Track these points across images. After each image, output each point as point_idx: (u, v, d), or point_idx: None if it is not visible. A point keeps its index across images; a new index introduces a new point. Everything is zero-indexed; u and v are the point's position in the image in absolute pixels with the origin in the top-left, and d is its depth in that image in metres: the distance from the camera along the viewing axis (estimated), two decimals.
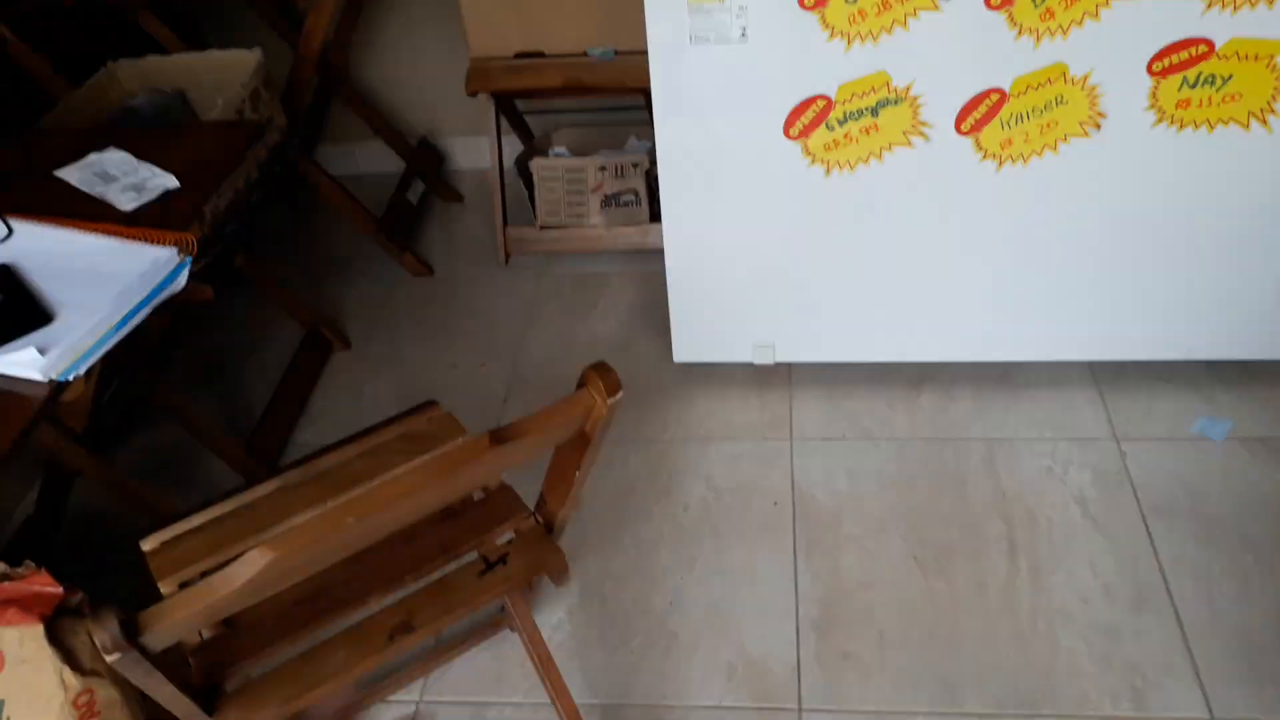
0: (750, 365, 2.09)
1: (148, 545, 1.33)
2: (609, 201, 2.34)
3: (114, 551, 1.32)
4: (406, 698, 1.62)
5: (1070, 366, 2.02)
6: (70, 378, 1.17)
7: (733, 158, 1.71)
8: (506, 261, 2.49)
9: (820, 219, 1.78)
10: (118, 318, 1.22)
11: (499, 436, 0.89)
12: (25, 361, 1.15)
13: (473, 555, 1.32)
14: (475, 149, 2.80)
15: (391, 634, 1.24)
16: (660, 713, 1.56)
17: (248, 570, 0.85)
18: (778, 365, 2.09)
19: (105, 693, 1.28)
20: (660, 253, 1.89)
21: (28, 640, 1.19)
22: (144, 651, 0.85)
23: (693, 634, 1.66)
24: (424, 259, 2.53)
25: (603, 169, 2.29)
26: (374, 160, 2.82)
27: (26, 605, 1.21)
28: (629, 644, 1.66)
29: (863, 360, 2.02)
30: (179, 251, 1.30)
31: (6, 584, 1.19)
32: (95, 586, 1.20)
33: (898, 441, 1.92)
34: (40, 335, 1.19)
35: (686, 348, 2.05)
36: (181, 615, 0.84)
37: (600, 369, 0.93)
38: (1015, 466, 1.85)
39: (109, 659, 0.81)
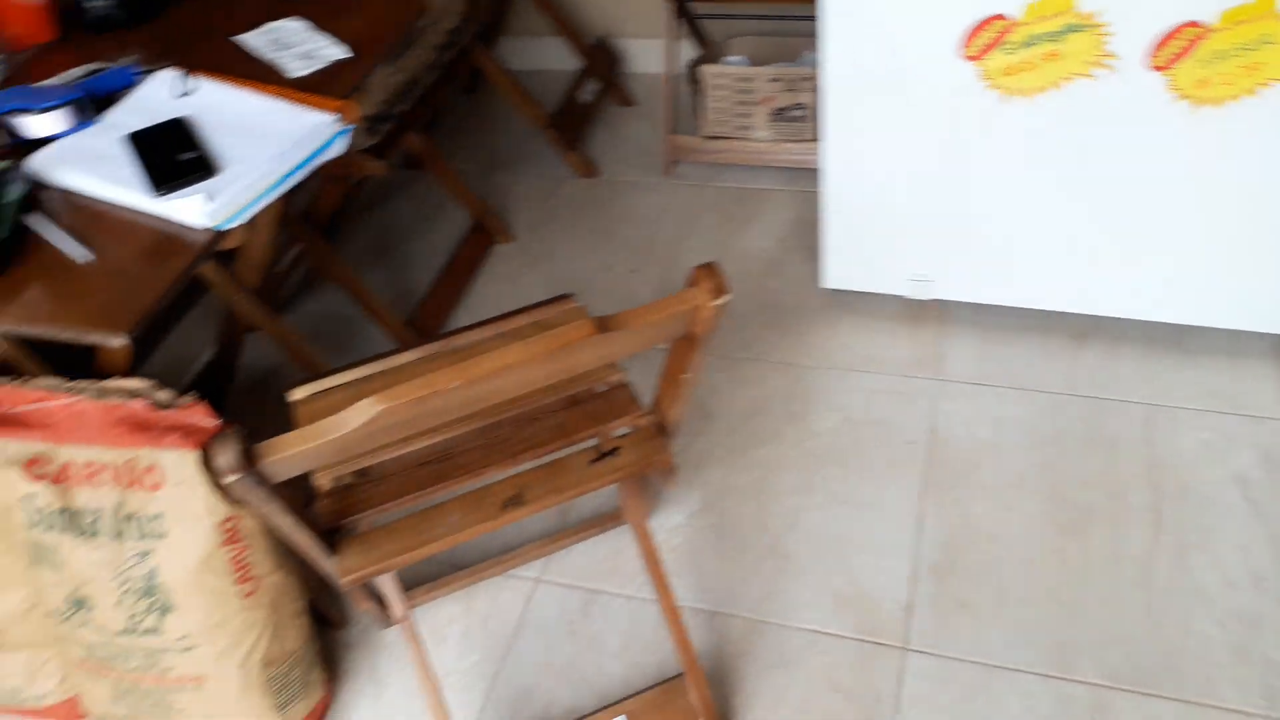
0: (902, 298, 2.01)
1: (295, 396, 1.44)
2: (777, 115, 2.27)
3: (279, 404, 1.43)
4: (526, 574, 1.70)
5: (1252, 337, 1.84)
6: (229, 227, 1.26)
7: (903, 73, 1.63)
8: (670, 169, 2.48)
9: (992, 148, 1.67)
10: (277, 175, 1.29)
11: (603, 324, 0.91)
12: (194, 208, 1.24)
13: (590, 443, 1.35)
14: (652, 53, 2.77)
15: (505, 504, 1.30)
16: (763, 628, 1.57)
17: (358, 418, 0.90)
18: (931, 301, 2.01)
19: (248, 523, 1.40)
20: None
21: (186, 464, 1.31)
22: (260, 479, 0.92)
23: (806, 557, 1.65)
24: (591, 159, 2.55)
25: (774, 81, 2.22)
26: (552, 57, 2.84)
27: (186, 433, 1.33)
28: (742, 557, 1.67)
29: (1024, 305, 1.91)
30: (339, 119, 1.37)
31: (171, 412, 1.30)
32: (258, 434, 1.31)
33: (1051, 395, 1.82)
34: (206, 186, 1.28)
35: (837, 273, 1.99)
36: (295, 449, 0.91)
37: (709, 269, 0.92)
38: (1174, 436, 1.72)
39: (226, 480, 0.88)
